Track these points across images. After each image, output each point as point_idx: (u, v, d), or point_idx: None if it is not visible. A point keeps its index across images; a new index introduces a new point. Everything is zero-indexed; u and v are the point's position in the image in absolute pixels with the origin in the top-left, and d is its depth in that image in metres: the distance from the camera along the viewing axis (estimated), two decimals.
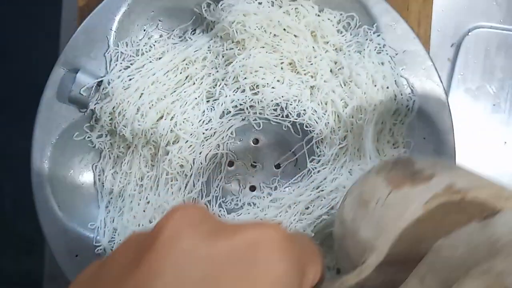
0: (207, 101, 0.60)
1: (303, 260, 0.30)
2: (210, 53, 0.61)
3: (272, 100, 0.59)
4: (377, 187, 0.41)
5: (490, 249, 0.31)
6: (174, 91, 0.60)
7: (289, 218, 0.59)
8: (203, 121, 0.59)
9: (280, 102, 0.59)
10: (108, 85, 0.58)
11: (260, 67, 0.58)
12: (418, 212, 0.36)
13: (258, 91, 0.59)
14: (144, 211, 0.59)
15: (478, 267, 0.31)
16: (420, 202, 0.37)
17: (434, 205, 0.36)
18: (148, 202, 0.60)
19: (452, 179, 0.38)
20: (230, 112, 0.59)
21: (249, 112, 0.60)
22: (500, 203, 0.35)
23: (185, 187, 0.61)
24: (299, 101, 0.59)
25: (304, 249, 0.32)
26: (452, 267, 0.33)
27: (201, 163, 0.62)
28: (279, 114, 0.60)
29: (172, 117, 0.59)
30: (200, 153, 0.61)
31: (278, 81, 0.59)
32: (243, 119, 0.62)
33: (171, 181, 0.60)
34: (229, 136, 0.62)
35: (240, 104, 0.59)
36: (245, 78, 0.58)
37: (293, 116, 0.59)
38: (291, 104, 0.59)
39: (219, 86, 0.60)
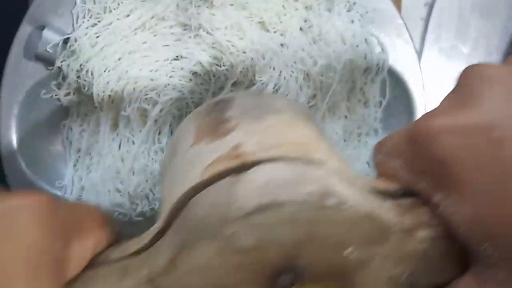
0: (176, 59, 0.59)
1: (69, 229, 0.30)
2: (178, 10, 0.60)
3: (241, 60, 0.58)
4: (186, 135, 0.36)
5: (226, 211, 0.27)
6: (142, 49, 0.59)
7: None
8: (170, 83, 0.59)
9: (246, 60, 0.58)
10: (75, 42, 0.58)
11: (227, 26, 0.58)
12: (196, 179, 0.30)
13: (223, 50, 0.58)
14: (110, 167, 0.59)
15: (210, 230, 0.27)
16: (203, 165, 0.31)
17: (211, 172, 0.30)
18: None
19: (246, 136, 0.32)
20: (196, 72, 0.58)
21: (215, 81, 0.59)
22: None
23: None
24: (269, 58, 0.58)
25: (75, 218, 0.32)
26: (192, 228, 0.28)
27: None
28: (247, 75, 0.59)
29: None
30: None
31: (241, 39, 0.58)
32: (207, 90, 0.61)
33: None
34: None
35: (211, 66, 0.58)
36: (212, 35, 0.58)
37: (261, 76, 0.58)
38: (259, 62, 0.58)
39: (185, 44, 0.59)
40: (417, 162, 0.29)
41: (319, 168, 0.30)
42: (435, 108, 0.30)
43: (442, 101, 0.30)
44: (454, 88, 0.31)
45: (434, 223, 0.29)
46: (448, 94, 0.31)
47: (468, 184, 0.26)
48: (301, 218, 0.27)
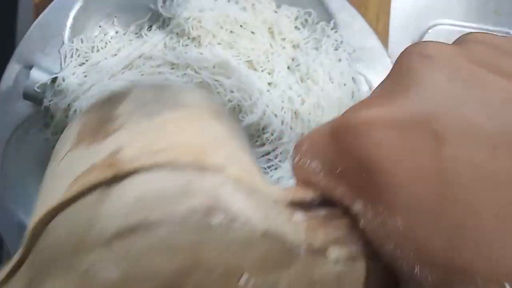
0: None
1: None
2: (166, 49, 0.60)
3: (228, 100, 0.58)
4: (67, 138, 0.28)
5: (83, 237, 0.21)
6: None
7: None
8: None
9: (233, 100, 0.58)
10: (63, 81, 0.58)
11: (215, 65, 0.58)
12: (61, 194, 0.23)
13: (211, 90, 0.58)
14: None
15: (64, 261, 0.21)
16: (72, 177, 0.24)
17: (79, 186, 0.23)
18: None
19: (130, 138, 0.25)
20: None
21: None
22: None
23: None
24: (256, 98, 0.58)
25: None
26: (45, 259, 0.22)
27: None
28: (233, 114, 0.60)
29: None
30: None
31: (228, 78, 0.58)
32: None
33: None
34: None
35: None
36: (199, 74, 0.58)
37: (247, 115, 0.58)
38: (247, 102, 0.58)
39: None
40: (336, 162, 0.24)
41: (211, 176, 0.23)
42: (366, 98, 0.25)
43: (375, 89, 0.25)
44: (390, 72, 0.25)
45: (353, 239, 0.24)
46: (383, 80, 0.25)
47: (399, 191, 0.21)
48: (179, 242, 0.21)
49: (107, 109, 0.28)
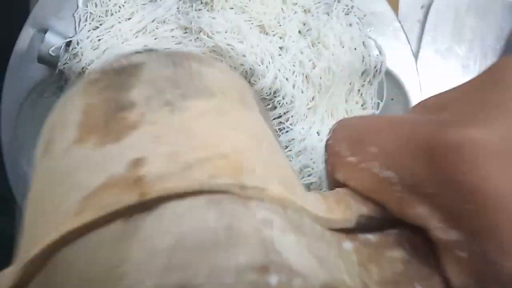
0: None
1: None
2: (179, 13, 0.61)
3: (240, 64, 0.59)
4: (68, 120, 0.24)
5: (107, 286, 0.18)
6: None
7: None
8: None
9: (245, 64, 0.59)
10: (77, 45, 0.59)
11: (227, 29, 0.59)
12: (69, 216, 0.19)
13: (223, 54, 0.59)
14: None
15: None
16: (83, 190, 0.20)
17: (94, 209, 0.19)
18: None
19: (152, 142, 0.21)
20: None
21: None
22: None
23: None
24: (268, 62, 0.59)
25: None
26: None
27: None
28: (245, 78, 0.60)
29: None
30: None
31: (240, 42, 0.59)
32: None
33: None
34: None
35: None
36: (212, 39, 0.58)
37: (259, 79, 0.59)
38: (259, 66, 0.59)
39: (186, 48, 0.60)
40: (423, 179, 0.21)
41: (255, 208, 0.20)
42: (458, 111, 0.22)
43: (466, 103, 0.22)
44: (485, 79, 0.22)
45: (409, 277, 0.21)
46: (477, 86, 0.22)
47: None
48: None
49: (118, 88, 0.24)
